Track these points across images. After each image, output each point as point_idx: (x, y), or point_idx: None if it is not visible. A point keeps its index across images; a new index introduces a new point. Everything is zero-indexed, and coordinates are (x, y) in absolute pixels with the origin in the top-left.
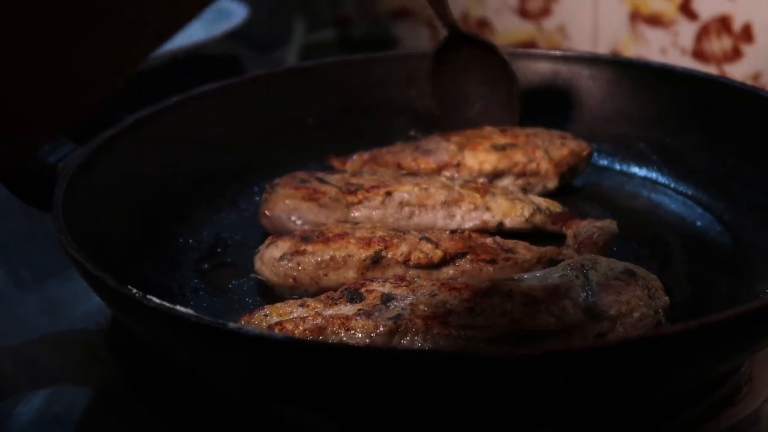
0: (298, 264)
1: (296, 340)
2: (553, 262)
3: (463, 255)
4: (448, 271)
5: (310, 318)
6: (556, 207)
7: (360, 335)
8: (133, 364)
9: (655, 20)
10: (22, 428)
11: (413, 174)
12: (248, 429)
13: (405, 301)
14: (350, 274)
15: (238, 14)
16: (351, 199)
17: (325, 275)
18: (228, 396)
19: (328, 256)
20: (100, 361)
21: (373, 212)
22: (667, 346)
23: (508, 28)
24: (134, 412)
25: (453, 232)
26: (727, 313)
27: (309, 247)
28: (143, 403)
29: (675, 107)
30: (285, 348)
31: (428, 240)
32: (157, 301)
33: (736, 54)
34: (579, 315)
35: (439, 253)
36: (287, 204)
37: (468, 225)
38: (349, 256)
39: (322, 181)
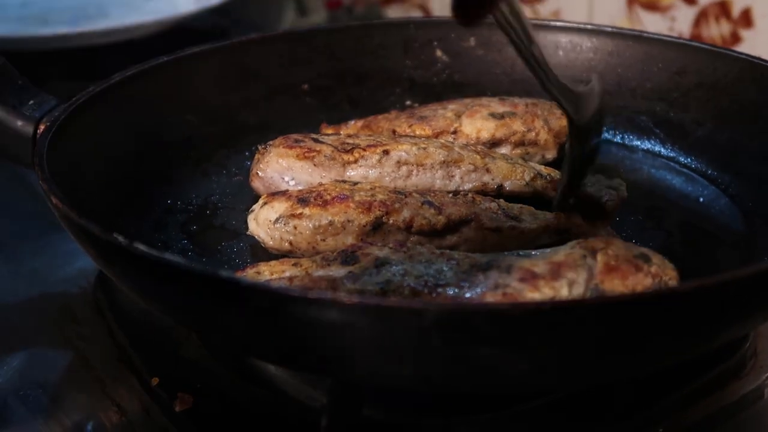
0: (295, 227)
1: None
2: (559, 232)
3: (466, 222)
4: (452, 239)
5: (298, 279)
6: (556, 174)
7: None
8: (116, 324)
9: (653, 5)
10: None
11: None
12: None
13: (398, 267)
14: (349, 240)
15: None
16: (347, 157)
17: (323, 240)
18: (218, 354)
19: (326, 221)
20: (78, 324)
21: (370, 171)
22: (682, 302)
23: None
24: (114, 373)
25: (455, 194)
26: (748, 270)
27: (306, 210)
28: (124, 365)
29: (678, 79)
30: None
31: (431, 204)
32: (145, 248)
33: (734, 39)
34: (578, 295)
35: (441, 219)
36: (281, 163)
37: (467, 186)
38: (348, 221)
39: (317, 141)
